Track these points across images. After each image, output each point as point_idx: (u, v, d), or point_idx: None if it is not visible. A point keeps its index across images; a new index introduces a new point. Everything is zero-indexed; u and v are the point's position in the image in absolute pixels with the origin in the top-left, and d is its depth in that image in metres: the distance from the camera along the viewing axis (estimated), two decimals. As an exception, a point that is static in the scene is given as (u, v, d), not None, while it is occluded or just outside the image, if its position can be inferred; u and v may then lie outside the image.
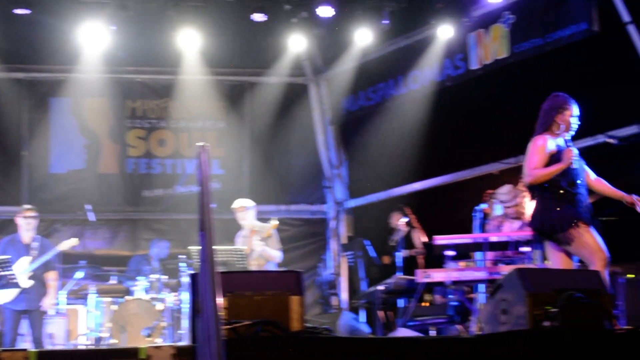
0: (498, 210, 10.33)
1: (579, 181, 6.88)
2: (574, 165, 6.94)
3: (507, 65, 11.67)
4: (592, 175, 6.95)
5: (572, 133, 7.00)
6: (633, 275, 9.82)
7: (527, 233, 9.20)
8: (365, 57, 13.36)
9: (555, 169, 6.84)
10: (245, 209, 10.72)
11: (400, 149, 12.98)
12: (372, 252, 11.96)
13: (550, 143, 6.97)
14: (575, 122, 6.95)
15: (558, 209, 6.79)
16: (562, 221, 6.78)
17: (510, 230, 9.79)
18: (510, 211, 10.03)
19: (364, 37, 12.40)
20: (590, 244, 6.71)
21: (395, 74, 13.25)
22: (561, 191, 6.84)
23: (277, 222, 10.21)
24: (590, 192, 7.22)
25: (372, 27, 12.16)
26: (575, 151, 7.00)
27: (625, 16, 10.48)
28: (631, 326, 6.50)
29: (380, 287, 10.04)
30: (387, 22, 11.94)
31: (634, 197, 6.83)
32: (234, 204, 10.81)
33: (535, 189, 6.99)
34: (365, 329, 10.12)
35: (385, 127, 13.41)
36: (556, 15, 11.08)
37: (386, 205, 13.06)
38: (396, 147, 13.05)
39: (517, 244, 9.09)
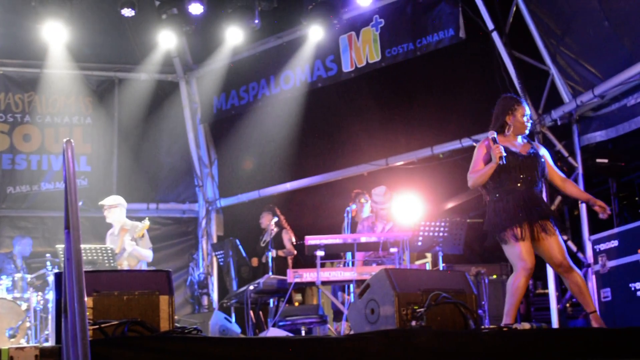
0: (366, 211, 10.47)
1: (519, 183, 6.83)
2: (507, 163, 6.88)
3: (379, 68, 11.85)
4: (559, 176, 6.99)
5: (526, 132, 7.04)
6: (496, 276, 10.13)
7: (397, 234, 9.38)
8: (236, 55, 13.35)
9: (486, 169, 6.83)
10: (115, 207, 10.50)
11: (271, 149, 13.02)
12: (242, 252, 11.94)
13: (495, 145, 6.93)
14: (527, 122, 7.00)
15: (498, 211, 6.85)
16: (498, 224, 6.84)
17: (382, 231, 9.95)
18: (383, 212, 10.19)
19: (234, 35, 12.35)
20: (515, 251, 6.71)
21: (267, 73, 13.27)
22: (497, 194, 6.87)
23: (149, 223, 10.05)
24: (558, 192, 7.35)
25: (243, 26, 12.12)
26: (533, 150, 6.99)
27: (490, 24, 10.83)
28: (495, 325, 6.66)
29: (251, 287, 10.02)
30: (258, 21, 11.93)
31: (602, 204, 6.89)
32: (104, 200, 10.58)
33: (485, 192, 7.03)
34: (235, 328, 10.07)
35: (256, 127, 13.43)
36: (425, 21, 11.35)
37: (257, 205, 13.08)
38: (268, 147, 13.09)
39: (387, 244, 9.24)
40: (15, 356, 4.55)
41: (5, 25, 12.32)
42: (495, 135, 6.84)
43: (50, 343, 8.66)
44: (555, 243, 6.67)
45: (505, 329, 5.80)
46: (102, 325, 4.92)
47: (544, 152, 7.02)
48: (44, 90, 13.63)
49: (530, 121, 7.04)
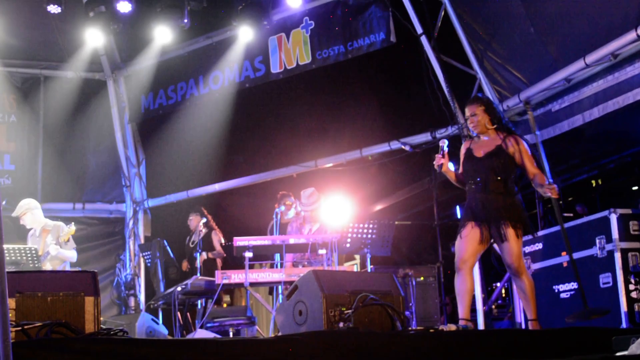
0: (291, 213, 10.46)
1: (472, 185, 6.94)
2: (466, 167, 7.03)
3: (310, 70, 11.87)
4: (529, 169, 7.00)
5: (477, 130, 7.07)
6: (424, 278, 10.22)
7: (326, 235, 9.41)
8: (165, 55, 13.27)
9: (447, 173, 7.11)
10: (25, 214, 10.26)
11: (200, 149, 12.95)
12: (170, 253, 11.84)
13: (465, 147, 7.14)
14: (470, 122, 7.07)
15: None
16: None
17: (309, 233, 9.97)
18: (311, 214, 10.20)
19: (163, 35, 12.24)
20: (456, 246, 6.89)
21: (196, 73, 13.20)
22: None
23: (74, 228, 9.89)
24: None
25: (172, 25, 12.02)
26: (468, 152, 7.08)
27: (419, 28, 10.95)
28: (421, 327, 6.73)
29: (179, 288, 9.94)
30: (187, 21, 11.84)
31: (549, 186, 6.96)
32: (16, 210, 10.30)
33: None
34: (163, 330, 9.97)
35: (185, 127, 13.34)
36: (356, 24, 11.41)
37: (185, 206, 13.00)
38: (196, 148, 13.01)
39: (315, 246, 9.26)
40: None
41: None
42: (444, 144, 7.00)
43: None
44: (507, 246, 6.71)
45: (431, 330, 5.86)
46: (25, 327, 4.83)
47: (516, 147, 6.97)
48: (-33, 87, 13.35)
49: (473, 121, 7.04)
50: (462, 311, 6.69)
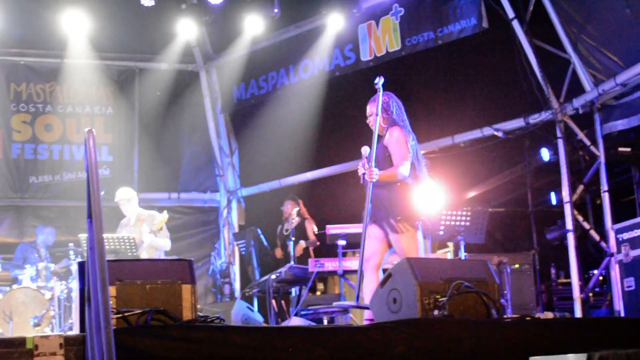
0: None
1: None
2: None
3: (400, 57, 11.80)
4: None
5: (375, 130, 7.18)
6: (519, 266, 10.10)
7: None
8: (256, 45, 13.36)
9: None
10: (127, 201, 10.55)
11: (292, 138, 13.00)
12: (264, 241, 11.95)
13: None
14: (369, 122, 7.27)
15: None
16: None
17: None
18: None
19: (254, 25, 12.37)
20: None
21: (286, 62, 13.25)
22: None
23: (167, 216, 10.08)
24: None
25: (262, 15, 12.12)
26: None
27: (510, 13, 10.77)
28: (517, 314, 6.65)
29: (273, 276, 10.04)
30: (277, 10, 11.91)
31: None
32: (115, 195, 10.63)
33: None
34: (258, 317, 10.09)
35: (276, 116, 13.41)
36: (447, 10, 11.28)
37: (278, 195, 13.08)
38: (288, 136, 13.06)
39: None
40: (40, 344, 4.58)
41: (26, 15, 12.38)
42: (366, 152, 7.05)
43: (74, 331, 8.73)
44: (395, 243, 6.92)
45: (527, 318, 5.78)
46: (126, 314, 4.94)
47: (387, 142, 7.09)
48: (65, 80, 13.67)
49: (370, 120, 7.20)
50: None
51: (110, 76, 13.99)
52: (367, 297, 6.81)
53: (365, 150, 7.07)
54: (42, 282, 10.75)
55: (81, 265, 5.12)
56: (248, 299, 11.26)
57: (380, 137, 7.19)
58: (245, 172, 14.34)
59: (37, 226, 12.48)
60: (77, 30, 12.33)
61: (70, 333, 7.34)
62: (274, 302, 10.49)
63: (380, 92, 7.18)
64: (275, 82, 13.40)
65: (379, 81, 7.18)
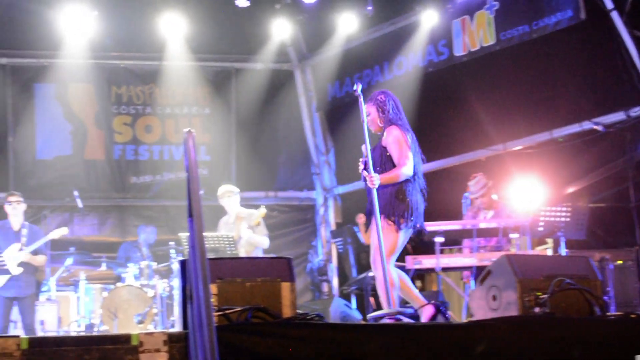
0: (467, 201, 10.32)
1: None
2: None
3: (494, 52, 11.66)
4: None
5: (373, 130, 7.25)
6: (622, 262, 9.86)
7: (518, 220, 9.25)
8: (350, 43, 13.35)
9: None
10: (231, 195, 10.70)
11: (386, 135, 12.91)
12: (361, 239, 11.95)
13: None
14: (366, 122, 7.21)
15: None
16: None
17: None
18: (479, 201, 10.03)
19: (348, 23, 12.40)
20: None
21: (380, 60, 13.23)
22: None
23: (265, 211, 10.19)
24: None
25: (356, 13, 12.14)
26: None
27: (609, 3, 10.52)
28: (621, 312, 6.50)
29: (371, 274, 10.03)
30: (371, 8, 11.91)
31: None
32: (219, 190, 10.79)
33: None
34: (356, 315, 10.12)
35: (371, 114, 13.35)
36: (542, 2, 11.09)
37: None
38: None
39: (507, 230, 9.12)
40: (144, 341, 4.68)
41: (126, 20, 12.67)
42: (363, 149, 7.08)
43: (177, 329, 8.89)
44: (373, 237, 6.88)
45: (632, 316, 5.65)
46: (227, 312, 5.02)
47: (386, 142, 7.04)
48: (164, 82, 13.93)
49: (368, 119, 7.17)
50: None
51: (207, 77, 14.19)
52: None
53: (365, 148, 7.06)
54: (145, 280, 10.99)
55: (183, 264, 5.22)
56: (346, 297, 11.29)
57: (377, 137, 7.19)
58: (341, 170, 14.36)
59: (139, 225, 12.76)
60: (174, 32, 12.58)
61: (172, 330, 7.49)
62: (372, 299, 10.48)
63: (361, 99, 7.15)
64: (369, 79, 13.39)
65: (358, 87, 7.19)
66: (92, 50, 13.18)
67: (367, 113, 7.19)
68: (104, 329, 10.54)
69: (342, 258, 12.83)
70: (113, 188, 13.78)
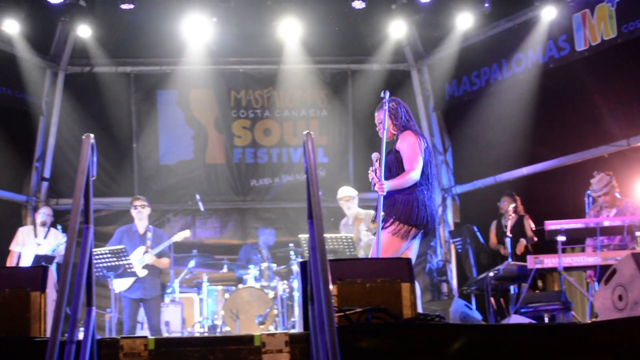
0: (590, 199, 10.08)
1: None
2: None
3: (616, 45, 11.37)
4: None
5: (384, 136, 7.31)
6: None
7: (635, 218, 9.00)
8: (467, 41, 13.22)
9: None
10: (350, 198, 10.78)
11: (506, 133, 12.76)
12: (480, 239, 11.83)
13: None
14: (379, 130, 7.38)
15: None
16: None
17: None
18: (602, 200, 9.77)
19: (465, 21, 12.27)
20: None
21: (498, 57, 13.06)
22: None
23: None
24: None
25: (473, 10, 12.02)
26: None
27: None
28: None
29: (491, 274, 9.93)
30: (488, 5, 11.78)
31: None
32: (339, 193, 10.88)
33: None
34: (477, 316, 10.02)
35: (490, 112, 13.20)
36: (667, -8, 10.76)
37: (493, 191, 12.88)
38: (502, 132, 12.84)
39: (632, 228, 8.89)
40: (266, 342, 4.75)
41: (244, 26, 12.90)
42: (375, 157, 7.22)
43: (298, 329, 8.98)
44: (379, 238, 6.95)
45: None
46: (347, 312, 5.03)
47: (400, 146, 7.05)
48: (282, 86, 14.11)
49: (379, 127, 7.31)
50: None
51: (323, 79, 14.29)
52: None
53: (375, 156, 7.14)
54: (265, 282, 11.16)
55: (303, 265, 5.27)
56: (466, 297, 11.19)
57: (390, 144, 7.20)
58: (459, 169, 14.23)
59: (259, 228, 12.95)
60: (291, 36, 12.72)
61: (294, 331, 7.58)
62: (492, 299, 10.37)
63: (386, 106, 7.21)
64: (487, 77, 13.24)
65: (386, 95, 7.25)
66: (212, 56, 13.48)
67: (380, 121, 7.30)
68: (226, 330, 10.75)
69: (461, 258, 12.72)
70: (233, 191, 14.03)
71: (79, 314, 4.41)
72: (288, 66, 13.79)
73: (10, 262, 10.73)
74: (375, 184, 6.97)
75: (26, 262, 10.62)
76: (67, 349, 4.17)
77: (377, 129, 7.35)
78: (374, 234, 10.16)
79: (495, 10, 12.15)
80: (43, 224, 11.03)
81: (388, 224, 6.90)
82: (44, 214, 11.09)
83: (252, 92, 14.23)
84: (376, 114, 7.37)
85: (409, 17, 12.26)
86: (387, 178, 6.97)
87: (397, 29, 12.68)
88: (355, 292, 5.31)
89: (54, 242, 10.83)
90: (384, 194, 6.89)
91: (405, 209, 6.87)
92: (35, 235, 10.93)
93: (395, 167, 7.03)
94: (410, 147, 6.97)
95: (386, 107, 7.18)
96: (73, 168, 13.70)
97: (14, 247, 10.87)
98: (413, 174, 6.86)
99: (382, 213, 6.94)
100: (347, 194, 10.87)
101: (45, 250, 10.71)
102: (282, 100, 14.25)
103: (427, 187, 6.96)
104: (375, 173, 7.06)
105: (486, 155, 13.43)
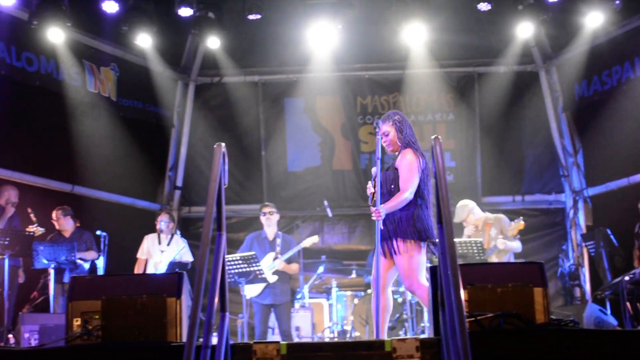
0: None
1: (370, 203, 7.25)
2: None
3: None
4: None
5: (389, 150, 7.40)
6: None
7: None
8: (596, 39, 12.88)
9: None
10: (469, 212, 10.67)
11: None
12: (614, 242, 11.51)
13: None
14: (383, 141, 7.34)
15: None
16: None
17: None
18: None
19: (594, 19, 11.96)
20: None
21: (631, 55, 12.67)
22: None
23: (523, 223, 10.13)
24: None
25: (603, 8, 11.71)
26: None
27: None
28: None
29: (626, 278, 9.65)
30: (618, 2, 11.46)
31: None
32: (457, 217, 10.77)
33: None
34: (612, 321, 9.76)
35: (622, 112, 12.82)
36: None
37: (627, 193, 12.51)
38: (635, 132, 12.46)
39: None
40: (397, 347, 4.77)
41: (369, 32, 12.96)
42: (374, 173, 7.24)
43: (427, 335, 8.96)
44: (397, 263, 6.97)
45: None
46: (479, 318, 4.99)
47: (399, 164, 7.15)
48: (407, 90, 14.09)
49: (385, 139, 7.29)
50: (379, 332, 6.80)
51: (450, 83, 14.20)
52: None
53: (375, 172, 7.17)
54: (394, 287, 11.15)
55: (432, 270, 5.26)
56: (600, 302, 10.92)
57: (390, 159, 7.31)
58: (591, 171, 13.88)
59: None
60: (416, 40, 12.66)
61: (424, 336, 7.57)
62: (628, 304, 10.07)
63: (378, 136, 7.30)
64: (619, 76, 12.88)
65: (379, 124, 7.34)
66: (337, 63, 13.59)
67: (386, 133, 7.32)
68: (355, 335, 10.80)
69: (594, 262, 12.39)
70: (360, 197, 14.06)
71: (214, 319, 4.52)
72: (413, 71, 13.78)
73: (138, 269, 11.05)
74: (372, 213, 7.09)
75: (152, 269, 10.93)
76: (203, 353, 4.28)
77: (383, 140, 7.36)
78: (509, 240, 10.11)
79: (626, 7, 11.81)
80: (162, 231, 11.32)
81: (403, 246, 7.00)
82: (162, 221, 11.38)
83: (378, 98, 14.27)
84: (383, 124, 7.37)
85: (536, 17, 12.03)
86: (386, 193, 7.15)
87: (524, 30, 12.45)
88: (486, 297, 5.26)
89: (176, 248, 11.11)
90: (381, 219, 7.05)
91: (416, 225, 7.03)
92: (159, 243, 11.23)
93: (393, 184, 7.15)
94: (407, 167, 7.09)
95: (378, 137, 7.34)
96: (204, 176, 14.06)
97: (140, 254, 11.20)
98: (407, 195, 7.00)
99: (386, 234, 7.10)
100: (461, 216, 10.75)
101: (169, 256, 11.00)
102: (408, 105, 14.23)
103: (426, 205, 7.11)
104: (373, 196, 7.19)
105: (619, 156, 13.04)
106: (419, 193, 7.05)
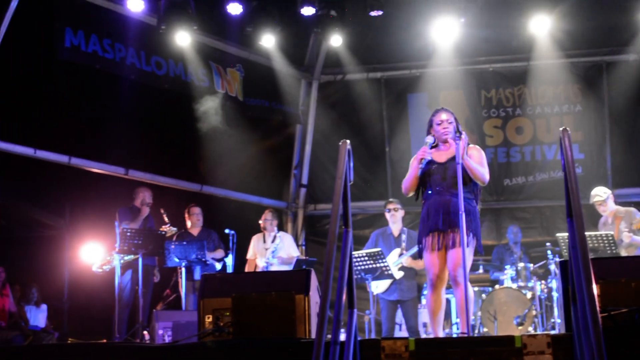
0: None
1: (429, 191, 7.06)
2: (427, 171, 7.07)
3: None
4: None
5: (445, 137, 7.15)
6: None
7: None
8: None
9: (411, 171, 7.12)
10: (603, 202, 10.41)
11: None
12: None
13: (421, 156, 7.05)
14: (443, 128, 7.14)
15: (421, 219, 7.15)
16: (419, 232, 7.14)
17: None
18: None
19: None
20: (423, 262, 7.12)
21: None
22: (422, 202, 7.15)
23: None
24: None
25: None
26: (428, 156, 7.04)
27: None
28: None
29: None
30: None
31: None
32: (591, 197, 10.53)
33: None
34: None
35: None
36: None
37: None
38: None
39: None
40: (527, 343, 4.70)
41: (492, 24, 12.77)
42: (431, 140, 7.09)
43: (557, 331, 8.79)
44: (453, 254, 6.75)
45: None
46: (612, 313, 4.87)
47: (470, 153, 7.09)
48: (533, 82, 13.84)
49: (448, 126, 7.12)
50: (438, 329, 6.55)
51: (576, 73, 13.87)
52: (436, 316, 6.79)
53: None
54: (523, 282, 10.99)
55: (563, 265, 5.16)
56: None
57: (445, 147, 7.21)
58: None
59: (508, 227, 12.74)
60: (541, 31, 12.45)
61: (556, 332, 7.43)
62: None
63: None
64: None
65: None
66: (461, 56, 13.46)
67: (450, 121, 7.21)
68: (484, 331, 10.68)
69: None
70: (487, 191, 13.87)
71: (342, 315, 4.55)
72: (539, 62, 13.52)
73: (248, 269, 11.19)
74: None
75: (260, 268, 11.03)
76: (332, 349, 4.31)
77: (444, 127, 7.19)
78: (635, 234, 9.82)
79: None
80: (266, 229, 11.39)
81: (471, 239, 6.96)
82: (265, 219, 11.46)
83: (503, 91, 14.06)
84: (445, 113, 7.29)
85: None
86: (451, 187, 7.03)
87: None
88: (619, 291, 5.13)
89: (279, 245, 11.20)
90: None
91: (476, 223, 7.20)
92: (264, 241, 11.33)
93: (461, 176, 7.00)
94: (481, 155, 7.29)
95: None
96: (329, 174, 14.16)
97: (250, 255, 11.33)
98: (487, 177, 7.42)
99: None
100: (598, 197, 10.49)
101: (272, 253, 11.09)
102: (533, 97, 13.98)
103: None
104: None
105: None
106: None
